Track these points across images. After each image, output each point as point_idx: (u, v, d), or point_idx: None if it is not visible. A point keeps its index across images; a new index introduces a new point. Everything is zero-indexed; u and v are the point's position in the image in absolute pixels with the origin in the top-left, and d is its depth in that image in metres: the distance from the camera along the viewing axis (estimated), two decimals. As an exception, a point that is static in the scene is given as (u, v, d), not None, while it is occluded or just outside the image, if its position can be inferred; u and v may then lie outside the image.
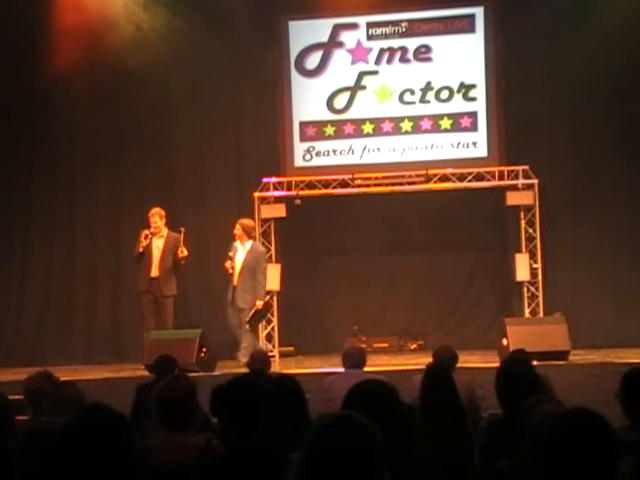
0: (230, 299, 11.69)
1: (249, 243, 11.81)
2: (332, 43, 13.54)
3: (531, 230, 13.02)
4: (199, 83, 13.42)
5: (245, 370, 7.95)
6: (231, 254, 11.64)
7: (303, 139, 13.54)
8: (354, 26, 13.52)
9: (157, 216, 11.66)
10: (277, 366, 11.67)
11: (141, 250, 11.56)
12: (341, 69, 13.51)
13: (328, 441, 2.55)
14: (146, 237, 11.57)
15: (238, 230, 11.72)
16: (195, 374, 9.22)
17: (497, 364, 5.89)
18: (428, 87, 13.34)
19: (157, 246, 11.65)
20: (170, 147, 13.84)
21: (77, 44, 12.91)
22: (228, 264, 11.59)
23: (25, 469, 3.60)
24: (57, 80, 13.29)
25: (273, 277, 13.07)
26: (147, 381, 7.29)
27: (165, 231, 11.73)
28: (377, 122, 13.42)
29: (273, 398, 4.62)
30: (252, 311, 11.55)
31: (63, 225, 13.81)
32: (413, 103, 13.37)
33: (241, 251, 11.74)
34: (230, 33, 13.16)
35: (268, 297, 12.96)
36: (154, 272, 11.63)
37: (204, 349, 10.69)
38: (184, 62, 13.13)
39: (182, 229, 11.58)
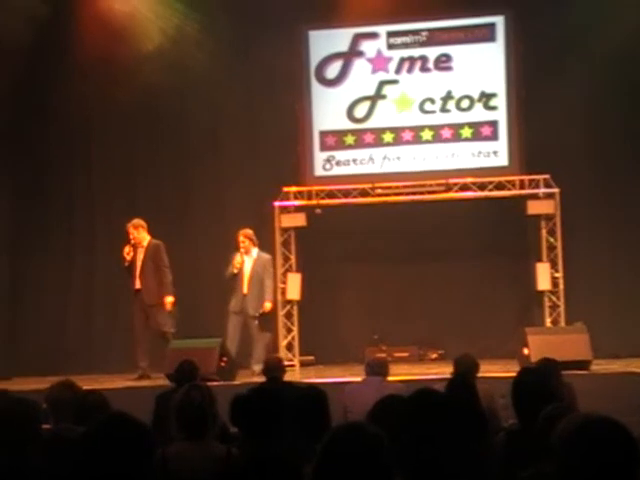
0: (238, 307, 11.73)
1: (254, 251, 11.90)
2: (352, 52, 13.56)
3: (552, 239, 12.97)
4: (218, 92, 13.44)
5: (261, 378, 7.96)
6: (237, 262, 11.69)
7: (323, 148, 13.55)
8: (374, 35, 13.53)
9: (131, 227, 11.70)
10: (297, 375, 11.67)
11: (126, 264, 11.66)
12: (361, 78, 13.51)
13: (338, 450, 2.57)
14: (129, 252, 11.63)
15: (245, 242, 11.79)
16: (215, 383, 9.23)
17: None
18: (448, 96, 13.32)
19: (139, 257, 11.70)
20: (189, 156, 13.88)
21: (95, 54, 12.98)
22: (237, 261, 11.65)
23: (44, 475, 3.62)
24: (75, 89, 13.37)
25: (293, 286, 13.11)
26: (167, 390, 7.30)
27: (146, 241, 11.75)
28: (397, 131, 13.42)
29: (299, 408, 4.62)
30: (260, 312, 11.73)
31: (82, 234, 13.87)
32: (433, 112, 13.36)
33: (247, 260, 11.81)
34: (250, 43, 13.19)
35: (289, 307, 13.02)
36: (137, 284, 11.69)
37: (224, 358, 10.71)
38: (203, 72, 13.13)
39: None
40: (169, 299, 11.59)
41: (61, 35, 13.28)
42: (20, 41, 12.37)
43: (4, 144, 13.44)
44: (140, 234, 11.69)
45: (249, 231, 11.91)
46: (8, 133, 13.49)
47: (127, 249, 11.67)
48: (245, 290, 11.77)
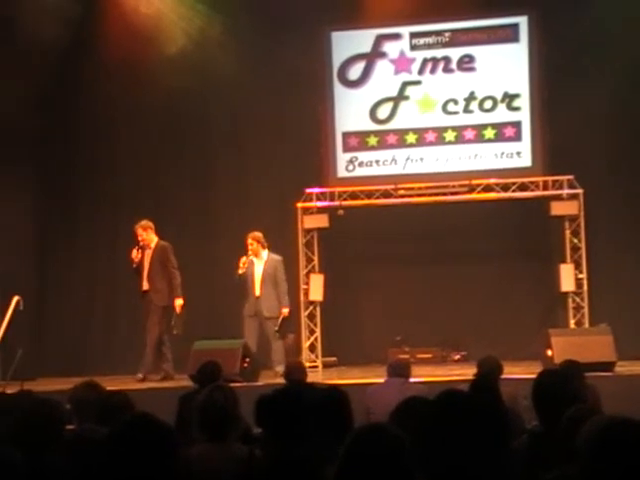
0: (252, 311, 11.74)
1: (264, 253, 11.88)
2: (375, 53, 13.55)
3: (576, 240, 12.91)
4: (241, 94, 13.45)
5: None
6: (243, 262, 11.70)
7: (346, 149, 13.54)
8: (397, 36, 13.52)
9: (140, 229, 11.74)
10: (320, 376, 11.68)
11: (134, 266, 11.72)
12: (384, 79, 13.50)
13: (360, 451, 2.58)
14: (137, 252, 11.68)
15: (252, 244, 11.79)
16: (238, 384, 9.25)
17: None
18: (472, 97, 13.29)
19: (147, 259, 11.75)
20: (212, 157, 13.91)
21: (120, 55, 13.05)
22: (243, 261, 11.70)
23: (67, 476, 3.63)
24: (100, 90, 13.43)
25: (316, 287, 13.11)
26: (190, 391, 7.32)
27: (154, 242, 11.78)
28: (420, 132, 13.40)
29: (320, 409, 4.62)
30: (280, 319, 11.68)
31: (105, 236, 13.92)
32: (456, 113, 13.33)
33: (258, 263, 11.83)
34: (272, 44, 13.20)
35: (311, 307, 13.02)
36: (145, 285, 11.75)
37: (247, 359, 10.73)
38: (226, 73, 13.15)
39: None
40: (179, 302, 11.62)
41: (87, 37, 13.34)
42: (50, 42, 12.47)
43: (31, 145, 13.52)
44: (149, 235, 11.74)
45: (258, 234, 11.89)
46: (35, 133, 13.56)
47: (135, 251, 11.71)
48: (257, 293, 11.78)
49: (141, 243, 11.73)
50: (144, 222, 11.78)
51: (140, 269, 11.74)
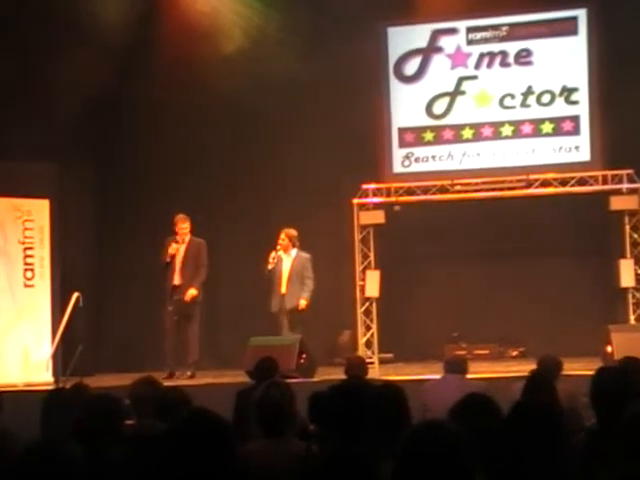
0: (277, 307, 11.78)
1: (294, 251, 11.88)
2: (431, 48, 13.50)
3: (636, 235, 12.74)
4: (296, 89, 13.45)
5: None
6: (272, 257, 11.73)
7: (402, 145, 13.51)
8: (453, 31, 13.45)
9: (187, 221, 11.79)
10: (377, 372, 11.66)
11: (168, 260, 11.73)
12: (440, 74, 13.45)
13: (418, 448, 2.57)
14: (176, 246, 11.72)
15: (284, 240, 11.81)
16: (295, 380, 9.27)
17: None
18: (529, 91, 13.19)
19: (180, 253, 11.77)
20: (265, 154, 13.91)
21: (173, 54, 13.13)
22: (272, 256, 11.73)
23: (126, 471, 3.67)
24: (154, 89, 13.50)
25: (372, 284, 13.09)
26: (247, 386, 7.35)
27: (188, 237, 11.83)
28: (477, 127, 13.32)
29: (377, 405, 4.63)
30: (295, 308, 11.69)
31: (161, 235, 13.99)
32: (513, 107, 13.24)
33: (286, 260, 11.84)
34: (326, 39, 13.19)
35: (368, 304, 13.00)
36: (176, 280, 11.75)
37: (304, 355, 10.75)
38: (281, 69, 13.16)
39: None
40: (192, 291, 11.66)
41: (147, 36, 13.43)
42: (111, 42, 12.62)
43: (91, 145, 13.66)
44: (187, 229, 11.79)
45: (292, 231, 11.90)
46: (93, 133, 13.70)
47: (174, 245, 11.76)
48: (283, 290, 11.80)
49: (180, 237, 11.80)
50: (182, 215, 11.86)
51: (172, 263, 11.80)
